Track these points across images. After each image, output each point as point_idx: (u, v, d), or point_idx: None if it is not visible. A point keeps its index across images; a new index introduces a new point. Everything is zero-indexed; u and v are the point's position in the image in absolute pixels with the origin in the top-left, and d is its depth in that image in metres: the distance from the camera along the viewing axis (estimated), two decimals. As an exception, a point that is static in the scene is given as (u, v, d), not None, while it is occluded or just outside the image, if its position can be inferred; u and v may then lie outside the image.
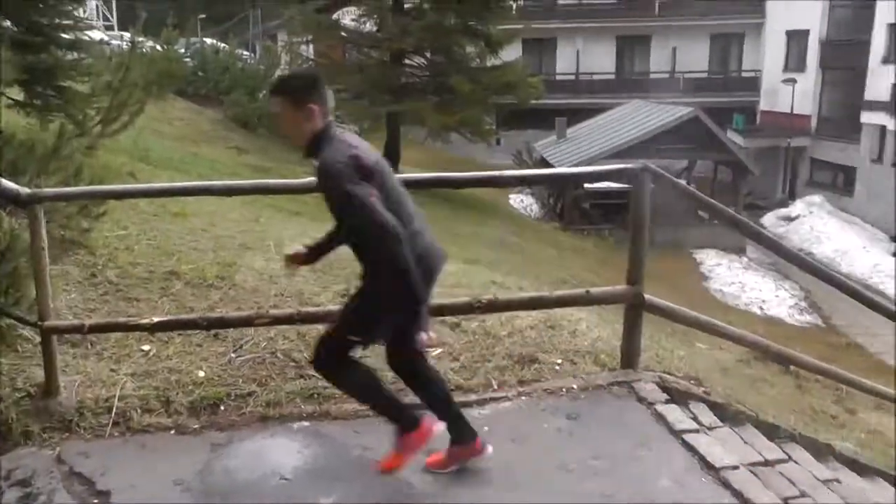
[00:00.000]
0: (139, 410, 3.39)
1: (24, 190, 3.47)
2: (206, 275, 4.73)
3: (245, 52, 22.22)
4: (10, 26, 6.72)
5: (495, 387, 3.65)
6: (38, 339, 3.55)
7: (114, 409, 3.37)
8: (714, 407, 3.79)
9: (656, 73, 32.84)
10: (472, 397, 3.54)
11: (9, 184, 3.50)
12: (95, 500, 2.88)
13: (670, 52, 32.40)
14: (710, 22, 31.24)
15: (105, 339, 3.85)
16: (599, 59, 32.66)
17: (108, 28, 24.35)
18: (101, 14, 28.71)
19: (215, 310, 4.20)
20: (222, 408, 3.43)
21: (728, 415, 3.80)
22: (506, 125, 29.48)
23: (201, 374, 3.62)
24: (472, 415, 3.39)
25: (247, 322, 3.68)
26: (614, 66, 33.20)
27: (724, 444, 3.43)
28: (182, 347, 3.85)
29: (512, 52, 20.63)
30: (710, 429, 3.55)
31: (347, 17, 19.29)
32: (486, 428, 3.29)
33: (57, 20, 6.97)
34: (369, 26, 18.80)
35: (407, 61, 18.54)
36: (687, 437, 3.37)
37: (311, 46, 21.00)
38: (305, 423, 3.34)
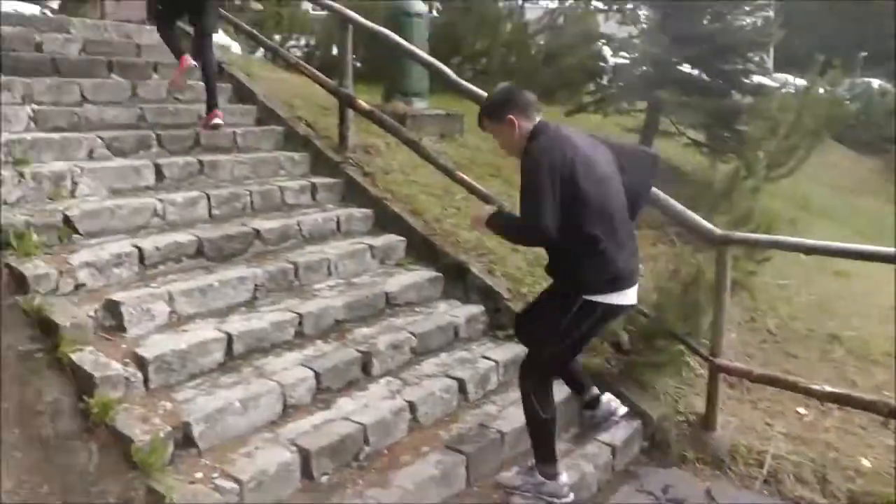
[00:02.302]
0: (791, 477, 3.26)
1: (718, 231, 3.64)
2: (869, 347, 4.28)
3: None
4: (700, 75, 7.38)
5: None
6: (701, 370, 3.72)
7: (766, 466, 3.31)
8: None
9: None
10: None
11: (704, 223, 3.73)
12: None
13: None
14: None
15: (760, 389, 3.81)
16: None
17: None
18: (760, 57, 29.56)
19: (881, 392, 3.72)
20: (886, 512, 3.01)
21: None
22: None
23: (865, 462, 3.25)
24: None
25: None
26: None
27: None
28: (841, 424, 3.54)
29: None
30: None
31: None
32: None
33: (741, 66, 7.37)
34: None
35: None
36: None
37: None
38: None
